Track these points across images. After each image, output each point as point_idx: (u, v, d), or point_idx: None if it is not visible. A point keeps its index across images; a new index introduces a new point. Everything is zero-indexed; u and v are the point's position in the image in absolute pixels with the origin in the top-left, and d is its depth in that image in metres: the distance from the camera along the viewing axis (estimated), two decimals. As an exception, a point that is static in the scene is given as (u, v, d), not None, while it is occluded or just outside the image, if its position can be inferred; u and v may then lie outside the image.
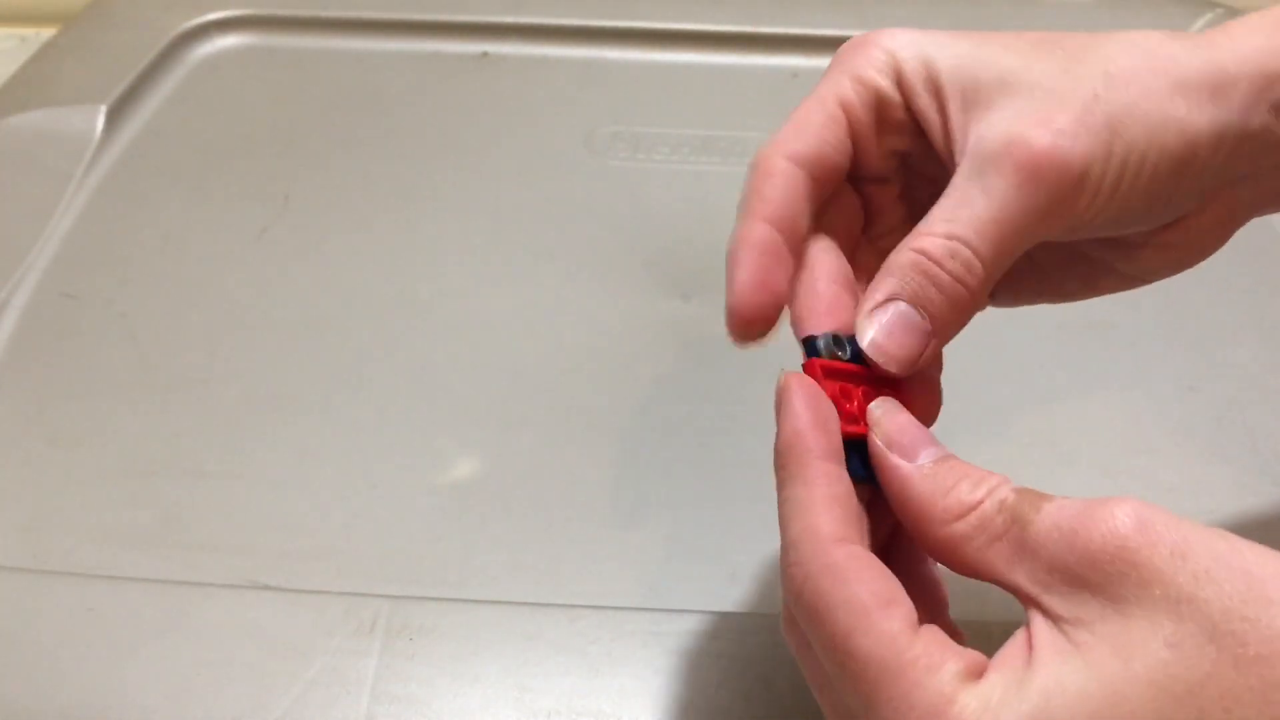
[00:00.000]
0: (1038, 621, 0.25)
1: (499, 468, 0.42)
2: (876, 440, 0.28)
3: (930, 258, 0.29)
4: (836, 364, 0.29)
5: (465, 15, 0.65)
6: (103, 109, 0.57)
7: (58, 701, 0.34)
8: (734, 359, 0.46)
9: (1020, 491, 0.26)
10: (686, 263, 0.51)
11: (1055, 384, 0.45)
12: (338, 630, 0.36)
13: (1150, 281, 0.34)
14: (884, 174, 0.33)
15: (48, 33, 0.78)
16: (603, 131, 0.59)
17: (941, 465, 0.27)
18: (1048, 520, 0.25)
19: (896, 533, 0.29)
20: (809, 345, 0.30)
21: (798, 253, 0.30)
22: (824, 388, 0.28)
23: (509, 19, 0.65)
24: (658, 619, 0.36)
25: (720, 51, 0.64)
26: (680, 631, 0.36)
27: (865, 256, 0.33)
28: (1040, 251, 0.32)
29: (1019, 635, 0.25)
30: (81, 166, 0.55)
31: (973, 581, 0.27)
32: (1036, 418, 0.44)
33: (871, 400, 0.29)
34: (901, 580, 0.26)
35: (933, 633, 0.25)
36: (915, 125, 0.31)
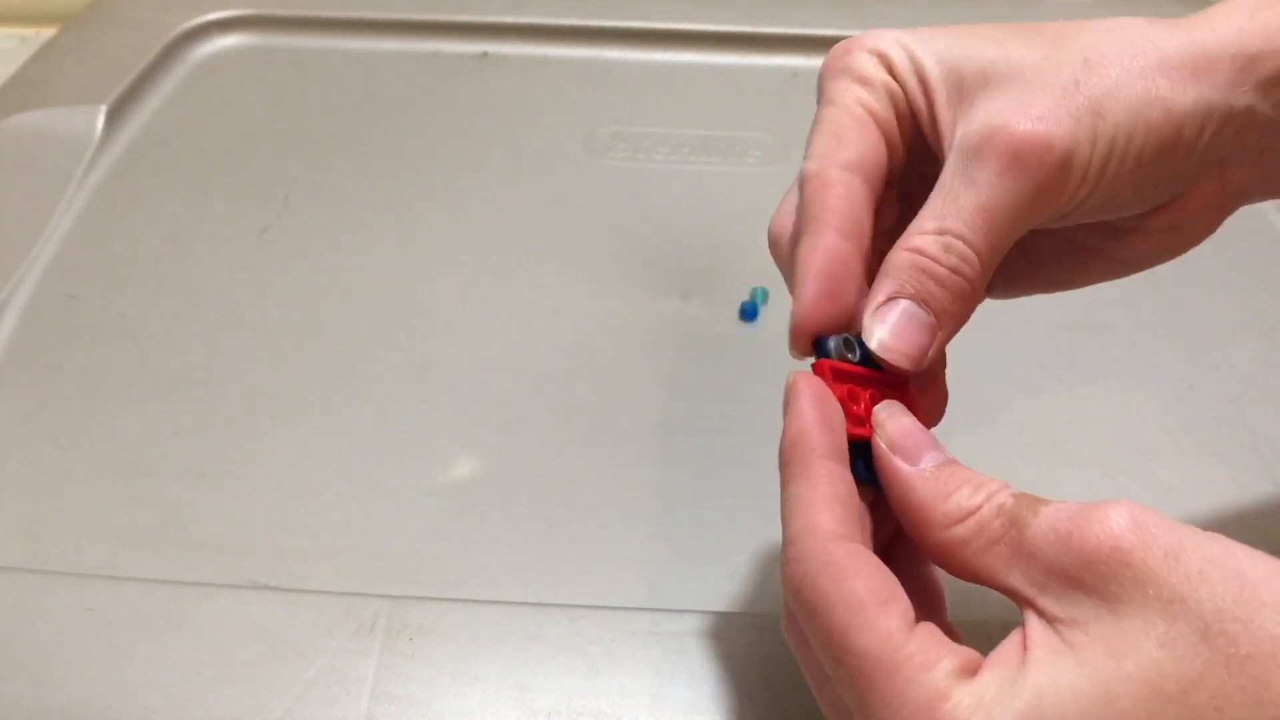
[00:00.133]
0: (1032, 622, 0.25)
1: (499, 468, 0.42)
2: (880, 442, 0.29)
3: (925, 255, 0.29)
4: (846, 366, 0.29)
5: (465, 15, 0.65)
6: (103, 109, 0.57)
7: (58, 701, 0.34)
8: (734, 359, 0.46)
9: (1019, 496, 0.27)
10: (686, 263, 0.51)
11: (1055, 384, 0.45)
12: (338, 630, 0.36)
13: (1144, 268, 0.35)
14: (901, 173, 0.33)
15: (48, 33, 0.78)
16: (602, 131, 0.59)
17: (943, 470, 0.28)
18: (1044, 523, 0.25)
19: (899, 533, 0.30)
20: (819, 347, 0.30)
21: (866, 262, 0.30)
22: (832, 389, 0.29)
23: (509, 19, 0.65)
24: (658, 619, 0.36)
25: (720, 51, 0.64)
26: (680, 631, 0.36)
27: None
28: (1034, 241, 0.32)
29: (1014, 635, 0.25)
30: (81, 166, 0.55)
31: (970, 584, 0.27)
32: (1036, 418, 0.44)
33: (878, 403, 0.29)
34: (901, 580, 0.26)
35: (929, 630, 0.25)
36: (914, 123, 0.32)
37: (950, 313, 0.30)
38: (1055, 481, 0.41)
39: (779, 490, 0.28)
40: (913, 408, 0.30)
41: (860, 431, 0.29)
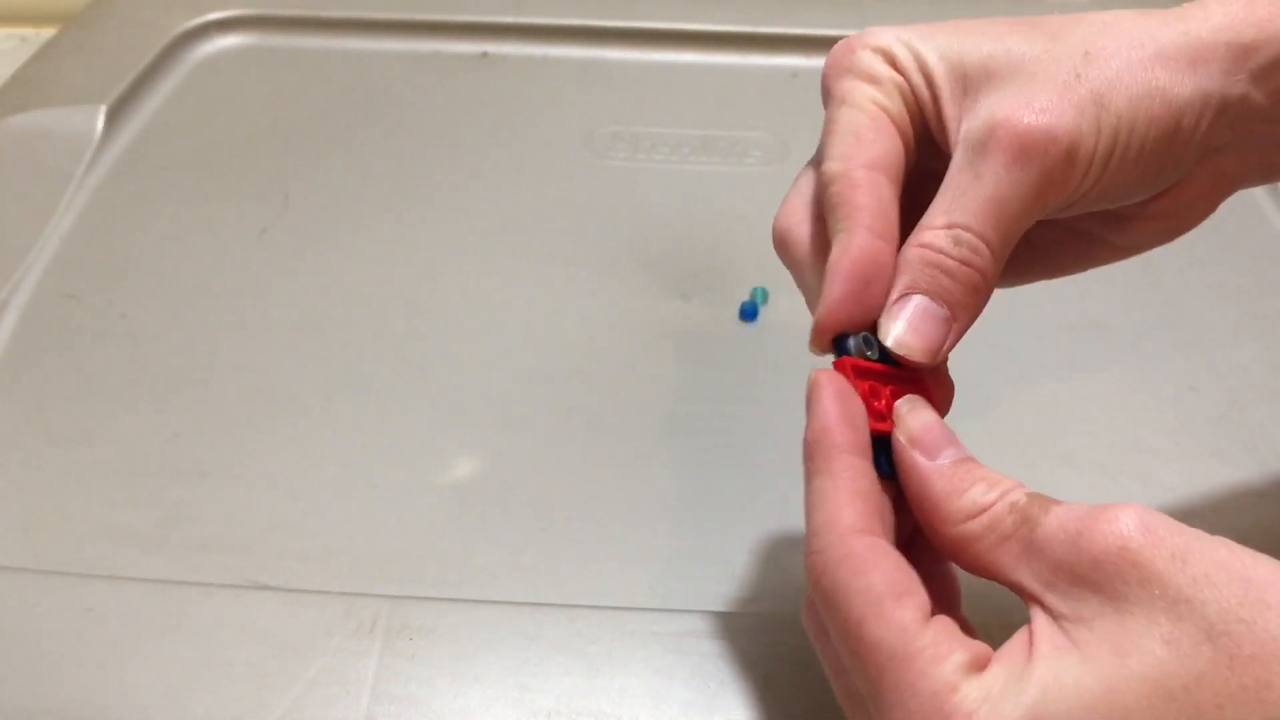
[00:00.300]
0: (1039, 618, 0.26)
1: (499, 468, 0.42)
2: (900, 437, 0.29)
3: (936, 249, 0.30)
4: (866, 363, 0.30)
5: (465, 15, 0.65)
6: (103, 109, 0.57)
7: (58, 701, 0.34)
8: (734, 359, 0.46)
9: (1031, 496, 0.27)
10: (686, 263, 0.51)
11: (1055, 384, 0.45)
12: (338, 630, 0.36)
13: (1141, 252, 0.35)
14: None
15: (48, 33, 0.78)
16: (602, 131, 0.59)
17: (960, 466, 0.28)
18: (1055, 522, 0.26)
19: (920, 528, 0.30)
20: (839, 345, 0.30)
21: (894, 261, 0.31)
22: (854, 386, 0.29)
23: (509, 19, 0.65)
24: (658, 619, 0.36)
25: (720, 51, 0.64)
26: (680, 631, 0.36)
27: None
28: (1036, 230, 0.32)
29: (1022, 631, 0.26)
30: (81, 166, 0.55)
31: (981, 582, 0.27)
32: (1036, 418, 0.44)
33: (899, 398, 0.30)
34: (921, 574, 0.27)
35: (943, 624, 0.26)
36: (922, 119, 0.32)
37: (964, 305, 0.30)
38: (1055, 481, 0.41)
39: (802, 485, 0.28)
40: (932, 402, 0.30)
41: (883, 427, 0.29)
